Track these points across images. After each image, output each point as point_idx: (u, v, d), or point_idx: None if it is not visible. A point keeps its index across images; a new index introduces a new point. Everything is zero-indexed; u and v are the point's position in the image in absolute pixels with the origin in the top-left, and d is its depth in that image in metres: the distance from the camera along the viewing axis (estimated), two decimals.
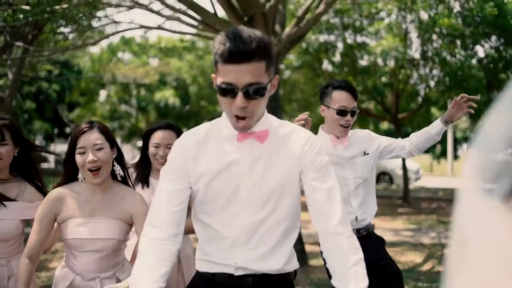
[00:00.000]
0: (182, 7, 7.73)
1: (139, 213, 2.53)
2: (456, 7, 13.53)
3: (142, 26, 8.33)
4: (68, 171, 2.60)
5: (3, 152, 2.73)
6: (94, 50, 12.85)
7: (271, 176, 1.89)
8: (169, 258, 1.85)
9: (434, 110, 16.45)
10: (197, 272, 2.08)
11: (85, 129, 2.55)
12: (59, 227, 2.55)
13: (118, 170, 2.66)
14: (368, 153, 3.35)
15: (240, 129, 1.88)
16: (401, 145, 3.47)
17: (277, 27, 7.45)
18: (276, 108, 7.23)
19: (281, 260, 1.93)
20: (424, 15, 13.46)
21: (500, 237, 0.69)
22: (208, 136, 1.99)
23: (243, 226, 1.91)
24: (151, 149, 3.15)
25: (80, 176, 2.60)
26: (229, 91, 1.79)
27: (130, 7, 8.11)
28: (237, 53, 1.72)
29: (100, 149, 2.52)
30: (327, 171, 1.91)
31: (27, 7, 7.10)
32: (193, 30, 9.17)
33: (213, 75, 1.89)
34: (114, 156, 2.62)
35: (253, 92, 1.79)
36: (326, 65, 15.34)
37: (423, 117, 15.07)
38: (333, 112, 3.31)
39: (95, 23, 9.14)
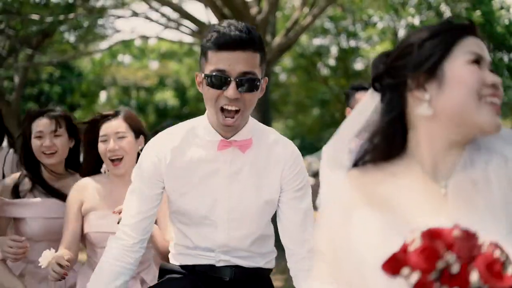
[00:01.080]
0: (179, 17, 8.31)
1: (162, 208, 2.27)
2: (447, 13, 14.09)
3: (142, 36, 8.90)
4: (91, 161, 2.47)
5: (58, 144, 2.54)
6: (93, 51, 13.40)
7: (251, 194, 1.78)
8: (130, 266, 1.82)
9: None
10: (169, 267, 1.99)
11: (109, 117, 2.41)
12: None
13: None
14: None
15: (227, 127, 1.71)
16: None
17: (268, 37, 8.02)
18: (266, 112, 7.80)
19: (260, 262, 1.90)
20: (415, 21, 14.00)
21: (339, 192, 1.26)
22: (185, 142, 1.82)
23: (222, 241, 1.84)
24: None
25: (104, 167, 2.47)
26: (220, 80, 1.63)
27: (131, 16, 8.68)
28: (233, 39, 1.60)
29: (123, 137, 2.35)
30: (306, 191, 1.82)
31: (36, 16, 7.63)
32: (190, 38, 9.73)
33: (196, 72, 1.76)
34: (140, 147, 2.39)
35: (247, 82, 1.63)
36: (321, 69, 15.91)
37: None
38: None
39: (98, 30, 9.71)
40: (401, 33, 15.59)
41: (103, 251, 1.98)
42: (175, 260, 1.95)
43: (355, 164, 1.28)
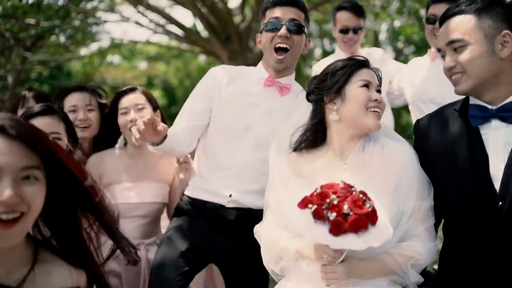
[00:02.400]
0: (167, 23, 8.82)
1: (176, 179, 2.56)
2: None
3: (132, 41, 9.39)
4: (109, 135, 2.58)
5: (92, 118, 2.61)
6: (84, 53, 13.75)
7: (276, 129, 2.16)
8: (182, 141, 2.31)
9: (405, 115, 17.59)
10: (187, 198, 2.40)
11: (127, 91, 2.56)
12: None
13: None
14: None
15: (279, 62, 2.24)
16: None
17: (251, 43, 8.57)
18: None
19: (259, 203, 2.21)
20: (396, 24, 14.64)
21: (282, 167, 1.92)
22: (240, 76, 2.35)
23: (245, 158, 2.26)
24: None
25: (120, 140, 2.58)
26: (275, 24, 2.24)
27: (121, 21, 9.17)
28: None
29: (142, 108, 2.51)
30: None
31: (32, 21, 8.06)
32: (178, 42, 10.22)
33: (258, 34, 2.36)
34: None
35: (295, 26, 2.24)
36: (305, 70, 16.49)
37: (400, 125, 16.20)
38: (337, 32, 3.51)
39: (89, 31, 10.14)
40: (382, 36, 16.26)
41: (127, 220, 2.34)
42: (191, 193, 2.40)
43: (294, 150, 1.98)
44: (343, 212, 1.54)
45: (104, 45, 11.17)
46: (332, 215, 1.55)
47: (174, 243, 2.38)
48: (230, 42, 7.92)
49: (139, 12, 8.84)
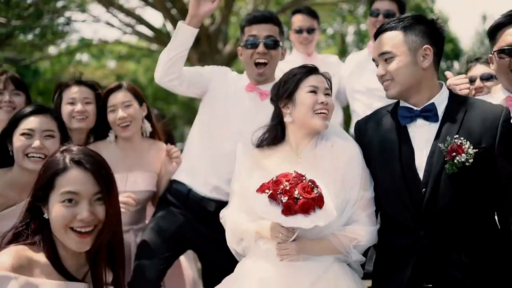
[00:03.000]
0: (137, 23, 8.99)
1: (163, 169, 2.80)
2: None
3: (103, 42, 9.53)
4: (99, 131, 2.80)
5: (89, 110, 2.77)
6: (53, 51, 13.72)
7: (255, 128, 2.37)
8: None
9: None
10: (172, 186, 2.71)
11: (114, 89, 2.74)
12: None
13: (147, 127, 2.85)
14: None
15: (259, 75, 2.61)
16: None
17: (220, 45, 8.84)
18: None
19: None
20: (362, 27, 15.12)
21: (246, 161, 2.28)
22: (234, 79, 2.76)
23: (229, 148, 2.52)
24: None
25: (111, 135, 2.79)
26: (253, 41, 2.62)
27: (92, 21, 9.31)
28: (259, 16, 2.69)
29: (129, 105, 2.71)
30: None
31: (3, 20, 8.11)
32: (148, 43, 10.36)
33: (238, 48, 2.74)
34: (144, 114, 2.80)
35: (271, 41, 2.61)
36: None
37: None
38: (293, 33, 3.82)
39: (58, 29, 10.18)
40: (349, 38, 16.74)
41: None
42: (178, 176, 2.75)
43: (257, 146, 2.30)
44: (294, 196, 1.87)
45: (74, 44, 11.21)
46: (285, 199, 1.87)
47: (158, 230, 2.66)
48: (199, 44, 8.17)
49: (109, 12, 8.98)
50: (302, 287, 2.02)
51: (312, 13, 3.86)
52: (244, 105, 2.67)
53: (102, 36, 12.54)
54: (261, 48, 2.60)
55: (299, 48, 3.85)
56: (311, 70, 2.24)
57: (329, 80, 2.28)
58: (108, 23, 8.99)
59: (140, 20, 8.40)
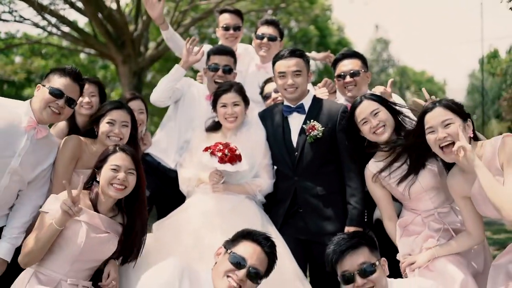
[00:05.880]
0: (59, 22, 9.57)
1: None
2: (295, 28, 17.33)
3: (31, 42, 10.09)
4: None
5: (94, 102, 3.58)
6: None
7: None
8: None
9: None
10: (145, 158, 3.45)
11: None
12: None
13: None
14: None
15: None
16: None
17: (142, 49, 9.94)
18: None
19: None
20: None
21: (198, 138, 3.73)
22: (198, 89, 4.11)
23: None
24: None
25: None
26: (214, 67, 3.87)
27: (20, 22, 9.84)
28: (221, 48, 3.98)
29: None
30: None
31: None
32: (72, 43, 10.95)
33: (204, 68, 3.98)
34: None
35: (228, 69, 3.89)
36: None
37: None
38: (220, 31, 4.48)
39: None
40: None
41: None
42: (151, 150, 4.03)
43: (206, 130, 3.70)
44: (225, 153, 3.29)
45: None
46: (219, 154, 3.29)
47: None
48: (124, 48, 9.21)
49: (35, 10, 9.44)
50: (225, 210, 3.43)
51: (237, 13, 4.42)
52: (203, 108, 3.90)
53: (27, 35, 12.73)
54: (220, 73, 3.83)
55: (225, 43, 4.39)
56: (225, 90, 3.60)
57: (241, 93, 3.63)
58: (35, 24, 9.56)
59: (69, 24, 9.19)
